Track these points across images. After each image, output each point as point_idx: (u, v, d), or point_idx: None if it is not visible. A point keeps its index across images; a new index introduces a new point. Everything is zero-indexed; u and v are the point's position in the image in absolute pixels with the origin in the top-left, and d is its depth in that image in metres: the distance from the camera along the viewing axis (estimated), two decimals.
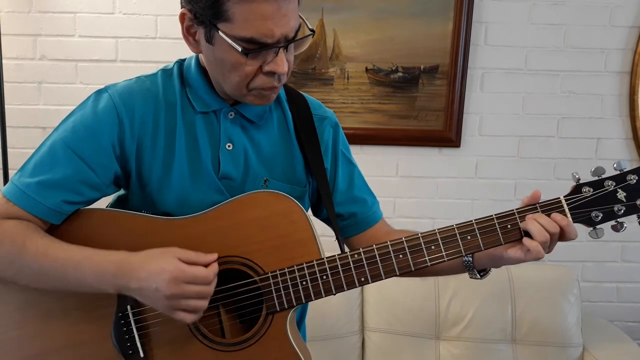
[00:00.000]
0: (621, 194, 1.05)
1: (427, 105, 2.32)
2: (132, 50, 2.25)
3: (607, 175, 1.06)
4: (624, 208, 1.05)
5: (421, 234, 1.09)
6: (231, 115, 1.16)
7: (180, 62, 1.19)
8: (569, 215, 1.06)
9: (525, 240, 1.05)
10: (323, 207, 1.27)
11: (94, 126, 1.09)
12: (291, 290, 1.09)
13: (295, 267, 1.09)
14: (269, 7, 0.97)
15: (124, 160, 1.12)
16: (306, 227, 1.11)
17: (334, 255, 1.10)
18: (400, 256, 1.09)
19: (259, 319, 1.10)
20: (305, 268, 1.09)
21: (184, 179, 1.13)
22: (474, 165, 2.40)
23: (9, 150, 2.14)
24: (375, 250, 1.09)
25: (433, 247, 1.08)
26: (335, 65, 2.29)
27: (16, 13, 2.21)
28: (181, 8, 1.05)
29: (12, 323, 1.09)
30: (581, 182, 1.07)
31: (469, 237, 1.08)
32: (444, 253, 1.08)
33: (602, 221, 1.05)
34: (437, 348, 2.15)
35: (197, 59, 1.16)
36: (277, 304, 1.09)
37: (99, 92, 1.13)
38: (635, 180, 1.04)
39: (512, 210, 1.08)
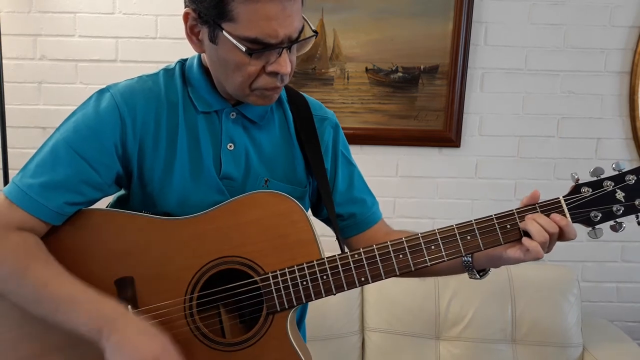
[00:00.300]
0: (620, 194, 1.05)
1: (427, 105, 2.32)
2: (132, 50, 2.25)
3: (606, 175, 1.06)
4: (623, 208, 1.05)
5: (421, 234, 1.10)
6: (233, 115, 1.16)
7: (182, 62, 1.19)
8: (568, 215, 1.06)
9: (525, 240, 1.05)
10: (323, 208, 1.27)
11: (96, 126, 1.09)
12: (291, 290, 1.09)
13: (296, 267, 1.09)
14: (273, 8, 0.97)
15: (126, 160, 1.12)
16: (306, 227, 1.11)
17: (334, 255, 1.10)
18: (401, 256, 1.09)
19: (259, 319, 1.10)
20: (306, 268, 1.09)
21: (185, 178, 1.13)
22: (474, 165, 2.40)
23: (9, 150, 2.14)
24: (376, 250, 1.09)
25: (433, 247, 1.09)
26: (335, 65, 2.29)
27: (16, 13, 2.21)
28: (185, 7, 1.05)
29: (12, 323, 1.09)
30: (580, 182, 1.07)
31: (468, 237, 1.08)
32: (443, 253, 1.08)
33: (601, 221, 1.06)
34: (437, 348, 2.15)
35: (199, 59, 1.17)
36: (277, 304, 1.09)
37: (101, 92, 1.13)
38: (633, 181, 1.05)
39: (512, 210, 1.08)
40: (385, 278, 1.10)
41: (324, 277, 1.09)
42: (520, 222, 1.07)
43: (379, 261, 1.09)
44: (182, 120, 1.14)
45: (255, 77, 1.05)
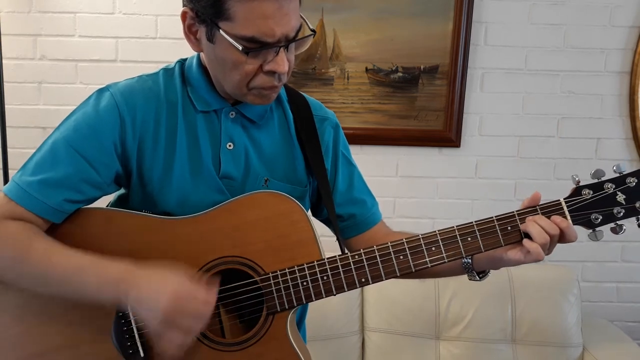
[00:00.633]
0: (621, 197, 1.05)
1: (427, 105, 2.32)
2: (132, 50, 2.25)
3: (607, 177, 1.06)
4: (624, 210, 1.05)
5: (422, 235, 1.10)
6: (232, 114, 1.16)
7: (182, 62, 1.20)
8: (568, 217, 1.06)
9: (525, 241, 1.05)
10: (323, 208, 1.27)
11: (96, 125, 1.09)
12: (292, 290, 1.09)
13: (296, 268, 1.09)
14: (270, 6, 0.97)
15: (125, 159, 1.12)
16: (307, 227, 1.11)
17: (335, 256, 1.10)
18: (401, 257, 1.09)
19: (259, 319, 1.10)
20: (306, 268, 1.09)
21: (185, 178, 1.13)
22: (474, 165, 2.40)
23: (9, 150, 2.14)
24: (376, 251, 1.10)
25: (433, 249, 1.09)
26: (335, 65, 2.29)
27: (16, 13, 2.21)
28: (183, 7, 1.05)
29: (12, 322, 1.09)
30: (581, 184, 1.07)
31: (469, 239, 1.08)
32: (444, 254, 1.08)
33: (602, 223, 1.06)
34: (437, 348, 2.15)
35: (199, 58, 1.17)
36: (277, 304, 1.09)
37: (100, 91, 1.13)
38: (634, 183, 1.05)
39: (512, 212, 1.08)
40: (386, 279, 1.10)
41: (324, 277, 1.09)
42: (521, 223, 1.07)
43: (379, 262, 1.09)
44: (181, 119, 1.14)
45: (253, 76, 1.05)
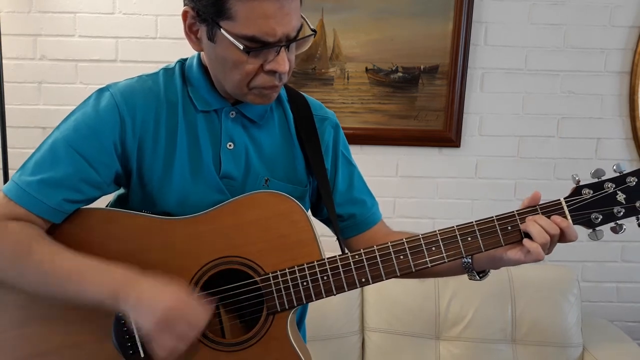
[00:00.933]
0: (621, 196, 1.05)
1: (427, 105, 2.32)
2: (132, 50, 2.25)
3: (607, 177, 1.06)
4: (624, 210, 1.05)
5: (422, 234, 1.09)
6: (232, 114, 1.16)
7: (182, 62, 1.20)
8: (569, 217, 1.06)
9: (526, 241, 1.05)
10: (323, 208, 1.27)
11: (96, 125, 1.09)
12: (292, 290, 1.09)
13: (296, 268, 1.09)
14: (271, 6, 0.97)
15: (125, 159, 1.12)
16: (307, 227, 1.11)
17: (335, 256, 1.10)
18: (401, 257, 1.09)
19: (259, 319, 1.10)
20: (306, 268, 1.09)
21: (185, 178, 1.13)
22: (474, 165, 2.40)
23: (9, 150, 2.14)
24: (376, 250, 1.09)
25: (434, 248, 1.09)
26: (335, 65, 2.29)
27: (16, 13, 2.21)
28: (184, 6, 1.06)
29: (12, 322, 1.09)
30: (581, 184, 1.07)
31: (469, 239, 1.08)
32: (444, 254, 1.08)
33: (602, 223, 1.06)
34: (437, 348, 2.15)
35: (199, 58, 1.17)
36: (277, 304, 1.09)
37: (100, 91, 1.13)
38: (634, 183, 1.05)
39: (513, 211, 1.08)
40: (386, 279, 1.10)
41: (325, 277, 1.09)
42: (521, 223, 1.07)
43: (379, 262, 1.09)
44: (181, 119, 1.14)
45: (254, 76, 1.05)
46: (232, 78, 1.06)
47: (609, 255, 2.48)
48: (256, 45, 1.01)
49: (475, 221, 1.09)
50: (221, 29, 1.00)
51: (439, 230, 1.09)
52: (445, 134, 2.34)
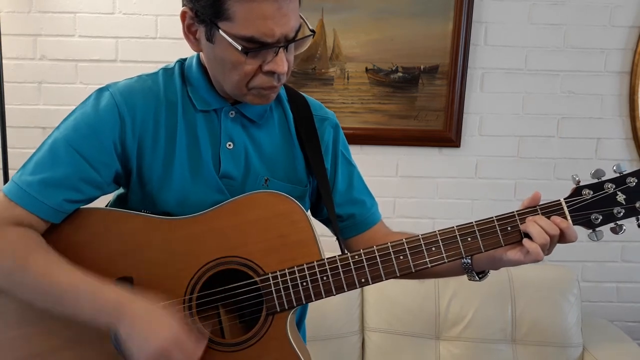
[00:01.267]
0: (621, 197, 1.05)
1: (427, 105, 2.32)
2: (132, 50, 2.25)
3: (607, 177, 1.06)
4: (624, 210, 1.05)
5: (421, 235, 1.09)
6: (232, 114, 1.16)
7: (182, 62, 1.20)
8: (569, 217, 1.06)
9: (525, 241, 1.05)
10: (322, 208, 1.27)
11: (96, 124, 1.09)
12: (291, 290, 1.09)
13: (296, 268, 1.09)
14: (269, 7, 0.97)
15: (125, 159, 1.12)
16: (307, 227, 1.11)
17: (335, 256, 1.10)
18: (401, 257, 1.09)
19: (259, 319, 1.10)
20: (306, 269, 1.09)
21: (185, 178, 1.13)
22: (474, 165, 2.40)
23: (9, 150, 2.14)
24: (376, 251, 1.09)
25: (433, 249, 1.09)
26: (335, 65, 2.29)
27: (16, 13, 2.21)
28: (182, 6, 1.06)
29: (12, 323, 1.09)
30: (581, 184, 1.07)
31: (469, 239, 1.08)
32: (444, 254, 1.08)
33: (602, 223, 1.05)
34: (437, 348, 2.15)
35: (198, 58, 1.17)
36: (277, 304, 1.09)
37: (100, 91, 1.13)
38: (634, 183, 1.05)
39: (513, 212, 1.08)
40: (386, 279, 1.10)
41: (324, 278, 1.09)
42: (521, 224, 1.07)
43: (379, 262, 1.09)
44: (181, 119, 1.14)
45: (252, 76, 1.05)
46: (231, 78, 1.06)
47: (609, 255, 2.48)
48: (254, 46, 1.00)
49: (475, 221, 1.09)
50: (219, 30, 1.00)
51: (438, 231, 1.09)
52: (445, 134, 2.34)
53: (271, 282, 1.09)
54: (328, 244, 1.20)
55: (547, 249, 1.04)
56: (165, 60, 1.24)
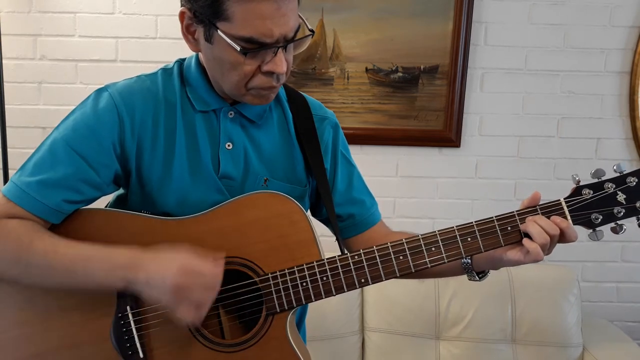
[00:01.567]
0: (621, 197, 1.05)
1: (427, 105, 2.32)
2: (132, 50, 2.25)
3: (607, 177, 1.06)
4: (624, 210, 1.05)
5: (421, 235, 1.09)
6: (231, 114, 1.16)
7: (181, 62, 1.19)
8: (569, 217, 1.06)
9: (525, 241, 1.05)
10: (322, 208, 1.27)
11: (95, 125, 1.09)
12: (291, 291, 1.09)
13: (296, 268, 1.09)
14: (268, 7, 0.97)
15: (124, 160, 1.12)
16: (307, 228, 1.11)
17: (334, 257, 1.10)
18: (401, 257, 1.09)
19: (258, 319, 1.10)
20: (306, 269, 1.09)
21: (184, 178, 1.13)
22: (474, 165, 2.40)
23: (9, 150, 2.14)
24: (376, 251, 1.09)
25: (433, 249, 1.08)
26: (335, 65, 2.29)
27: (16, 13, 2.21)
28: (181, 7, 1.05)
29: (12, 323, 1.09)
30: (581, 184, 1.07)
31: (469, 239, 1.08)
32: (444, 255, 1.08)
33: (602, 223, 1.05)
34: (437, 348, 2.15)
35: (197, 58, 1.16)
36: (277, 304, 1.09)
37: (99, 91, 1.13)
38: (635, 183, 1.04)
39: (512, 212, 1.08)
40: (386, 279, 1.10)
41: (324, 278, 1.09)
42: (520, 223, 1.07)
43: (379, 262, 1.09)
44: (180, 119, 1.14)
45: (251, 77, 1.05)
46: (230, 79, 1.06)
47: (609, 255, 2.48)
48: (253, 47, 1.00)
49: (475, 221, 1.09)
50: (218, 30, 1.00)
51: (438, 231, 1.09)
52: (445, 134, 2.34)
53: (271, 282, 1.09)
54: (328, 244, 1.20)
55: (547, 248, 1.04)
56: (165, 60, 1.24)
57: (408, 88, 2.31)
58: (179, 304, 1.01)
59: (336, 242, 1.22)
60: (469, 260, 1.14)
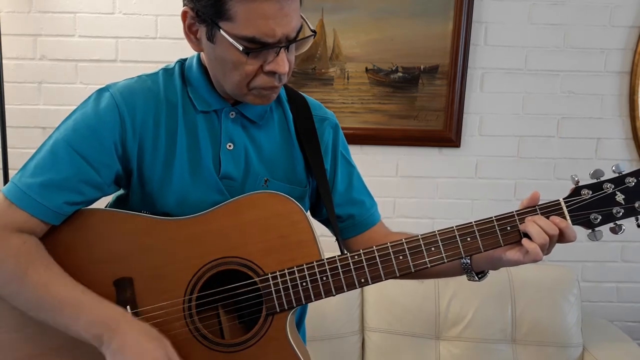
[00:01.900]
0: (620, 197, 1.05)
1: (427, 105, 2.32)
2: (132, 50, 2.25)
3: (606, 177, 1.06)
4: (623, 210, 1.05)
5: (421, 235, 1.09)
6: (232, 114, 1.16)
7: (182, 62, 1.19)
8: (568, 217, 1.06)
9: (525, 241, 1.05)
10: (322, 208, 1.27)
11: (96, 125, 1.08)
12: (291, 291, 1.09)
13: (295, 268, 1.09)
14: (271, 7, 0.97)
15: (126, 160, 1.12)
16: (306, 228, 1.11)
17: (334, 257, 1.10)
18: (401, 257, 1.09)
19: (258, 319, 1.10)
20: (305, 269, 1.09)
21: (185, 178, 1.13)
22: (474, 165, 2.40)
23: (9, 150, 2.14)
24: (376, 251, 1.09)
25: (433, 249, 1.09)
26: (335, 65, 2.29)
27: (16, 13, 2.21)
28: (183, 6, 1.05)
29: (12, 323, 1.09)
30: (580, 184, 1.07)
31: (468, 239, 1.08)
32: (443, 255, 1.08)
33: (601, 223, 1.05)
34: (437, 348, 2.15)
35: (199, 58, 1.16)
36: (277, 304, 1.09)
37: (100, 91, 1.13)
38: (633, 183, 1.05)
39: (512, 212, 1.08)
40: (385, 279, 1.10)
41: (324, 278, 1.09)
42: (520, 224, 1.07)
43: (378, 262, 1.09)
44: (181, 119, 1.14)
45: (253, 77, 1.05)
46: (232, 79, 1.06)
47: (609, 255, 2.48)
48: (255, 46, 1.00)
49: (475, 221, 1.09)
50: (220, 30, 1.00)
51: (438, 231, 1.09)
52: (445, 134, 2.34)
53: (271, 282, 1.09)
54: (328, 244, 1.20)
55: (546, 248, 1.04)
56: (166, 60, 1.24)
57: (408, 88, 2.31)
58: None
59: (336, 242, 1.22)
60: (469, 261, 1.14)
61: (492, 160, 2.40)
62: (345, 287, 1.09)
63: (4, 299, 1.06)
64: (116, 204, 1.22)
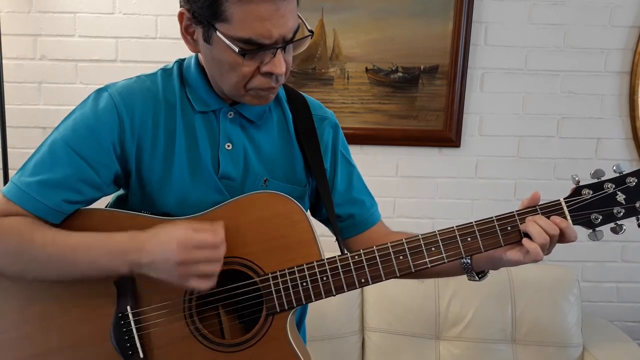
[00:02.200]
0: (620, 197, 1.05)
1: (427, 105, 2.32)
2: (132, 50, 2.25)
3: (607, 177, 1.06)
4: (624, 210, 1.05)
5: (421, 235, 1.09)
6: (231, 115, 1.16)
7: (180, 62, 1.19)
8: (568, 217, 1.06)
9: (525, 241, 1.05)
10: (322, 208, 1.27)
11: (95, 125, 1.09)
12: (291, 291, 1.09)
13: (296, 268, 1.09)
14: (267, 8, 0.97)
15: (124, 160, 1.12)
16: (307, 228, 1.11)
17: (334, 257, 1.10)
18: (401, 257, 1.09)
19: (258, 319, 1.10)
20: (306, 269, 1.09)
21: (184, 178, 1.13)
22: (474, 165, 2.40)
23: (9, 150, 2.14)
24: (376, 251, 1.09)
25: (433, 249, 1.08)
26: (335, 65, 2.29)
27: (16, 13, 2.21)
28: (180, 7, 1.05)
29: (12, 323, 1.09)
30: (581, 184, 1.07)
31: (469, 239, 1.08)
32: (444, 255, 1.08)
33: (602, 223, 1.05)
34: (437, 348, 2.15)
35: (197, 59, 1.16)
36: (277, 304, 1.09)
37: (99, 91, 1.13)
38: (634, 183, 1.05)
39: (512, 212, 1.08)
40: (386, 279, 1.10)
41: (324, 278, 1.09)
42: (520, 223, 1.07)
43: (379, 262, 1.09)
44: (180, 120, 1.14)
45: (250, 78, 1.05)
46: (229, 80, 1.06)
47: (609, 255, 2.48)
48: (252, 48, 1.00)
49: (475, 221, 1.09)
50: (217, 31, 1.00)
51: (438, 231, 1.09)
52: (445, 134, 2.34)
53: (271, 282, 1.09)
54: (328, 244, 1.20)
55: (546, 248, 1.04)
56: (165, 60, 1.24)
57: (408, 88, 2.31)
58: (186, 280, 1.02)
59: (336, 242, 1.22)
60: (469, 261, 1.14)
61: (492, 160, 2.40)
62: (345, 287, 1.09)
63: (23, 278, 1.07)
64: (116, 204, 1.22)
